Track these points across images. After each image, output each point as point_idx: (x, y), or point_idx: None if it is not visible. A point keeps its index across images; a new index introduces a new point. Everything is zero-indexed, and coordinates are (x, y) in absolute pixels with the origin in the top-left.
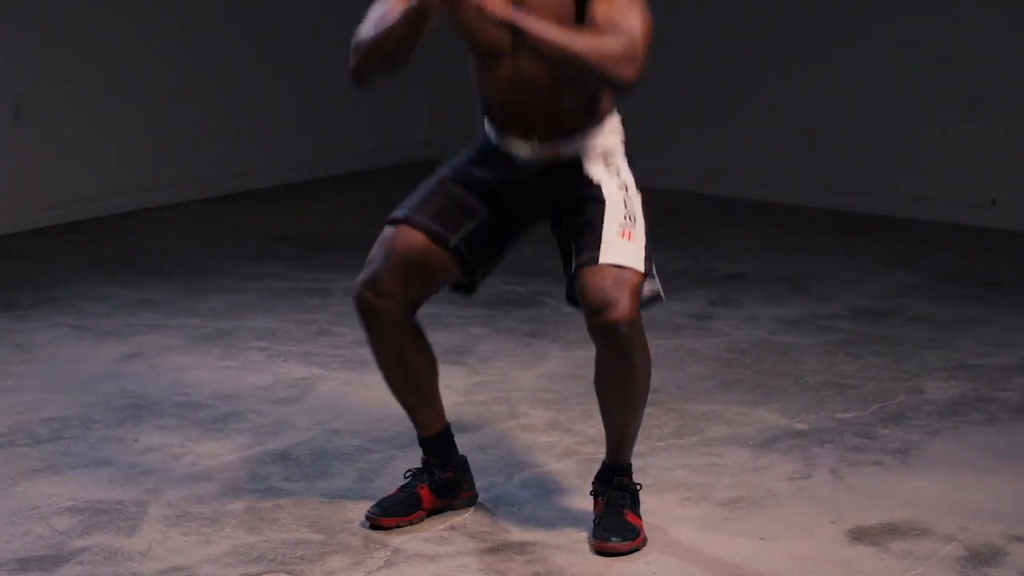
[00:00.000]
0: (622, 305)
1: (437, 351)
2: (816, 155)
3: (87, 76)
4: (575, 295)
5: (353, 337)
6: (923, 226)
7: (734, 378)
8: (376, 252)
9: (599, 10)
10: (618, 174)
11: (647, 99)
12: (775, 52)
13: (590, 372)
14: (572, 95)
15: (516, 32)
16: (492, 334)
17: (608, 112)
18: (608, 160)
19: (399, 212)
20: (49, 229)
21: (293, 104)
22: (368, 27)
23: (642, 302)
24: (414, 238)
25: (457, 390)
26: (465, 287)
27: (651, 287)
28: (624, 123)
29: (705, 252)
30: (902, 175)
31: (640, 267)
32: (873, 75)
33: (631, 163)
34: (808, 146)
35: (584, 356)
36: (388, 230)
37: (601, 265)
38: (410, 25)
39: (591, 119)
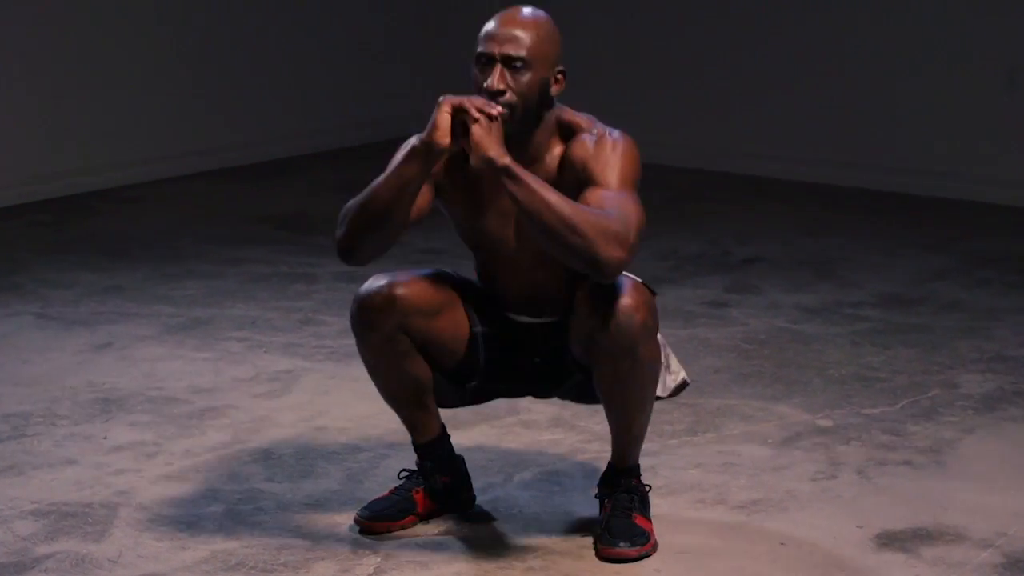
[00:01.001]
0: (628, 295)
1: None
2: (842, 130)
3: (52, 43)
4: (583, 338)
5: (340, 326)
6: (957, 206)
7: (752, 371)
8: (396, 271)
9: (593, 196)
10: None
11: (660, 70)
12: (798, 20)
13: None
14: (551, 279)
15: (508, 178)
16: None
17: None
18: None
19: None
20: (11, 209)
21: (275, 75)
22: (357, 198)
23: (670, 394)
24: (448, 286)
25: None
26: (448, 394)
27: (679, 377)
28: None
29: (721, 234)
30: (934, 151)
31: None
32: (904, 45)
33: None
34: (833, 120)
35: None
36: (423, 267)
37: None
38: (413, 169)
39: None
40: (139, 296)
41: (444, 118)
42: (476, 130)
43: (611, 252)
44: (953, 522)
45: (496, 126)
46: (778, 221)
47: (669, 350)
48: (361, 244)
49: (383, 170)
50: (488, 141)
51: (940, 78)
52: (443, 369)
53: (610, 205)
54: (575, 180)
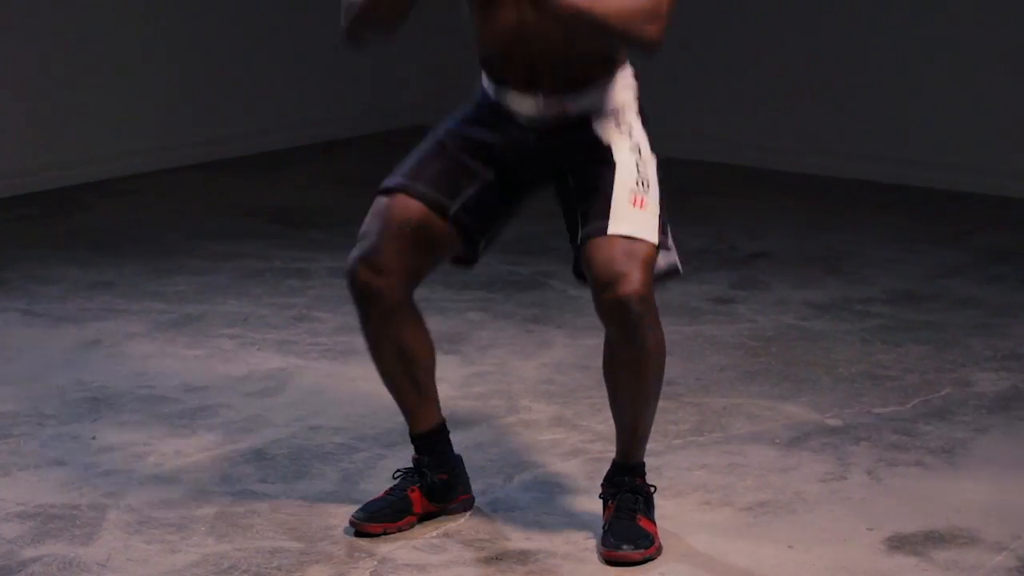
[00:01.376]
0: (633, 279)
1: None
2: (852, 121)
3: (39, 31)
4: (581, 269)
5: (335, 323)
6: (971, 199)
7: (759, 369)
8: (369, 225)
9: None
10: (630, 134)
11: (661, 58)
12: (808, 8)
13: (599, 362)
14: (582, 43)
15: None
16: (491, 320)
17: (621, 64)
18: (619, 119)
19: (392, 180)
20: None
21: (269, 64)
22: None
23: (656, 276)
24: (411, 207)
25: (452, 382)
26: (466, 259)
27: (666, 259)
28: (638, 77)
29: (727, 229)
30: (948, 143)
31: (653, 238)
32: (914, 34)
33: (645, 122)
34: (843, 111)
35: (592, 344)
36: (381, 200)
37: (610, 236)
38: None
39: (602, 71)
40: (129, 292)
41: None
42: None
43: (646, 31)
44: (966, 524)
45: None
46: (786, 215)
47: (671, 238)
48: (364, 34)
49: (380, 163)
50: None
51: (954, 67)
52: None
53: None
54: None
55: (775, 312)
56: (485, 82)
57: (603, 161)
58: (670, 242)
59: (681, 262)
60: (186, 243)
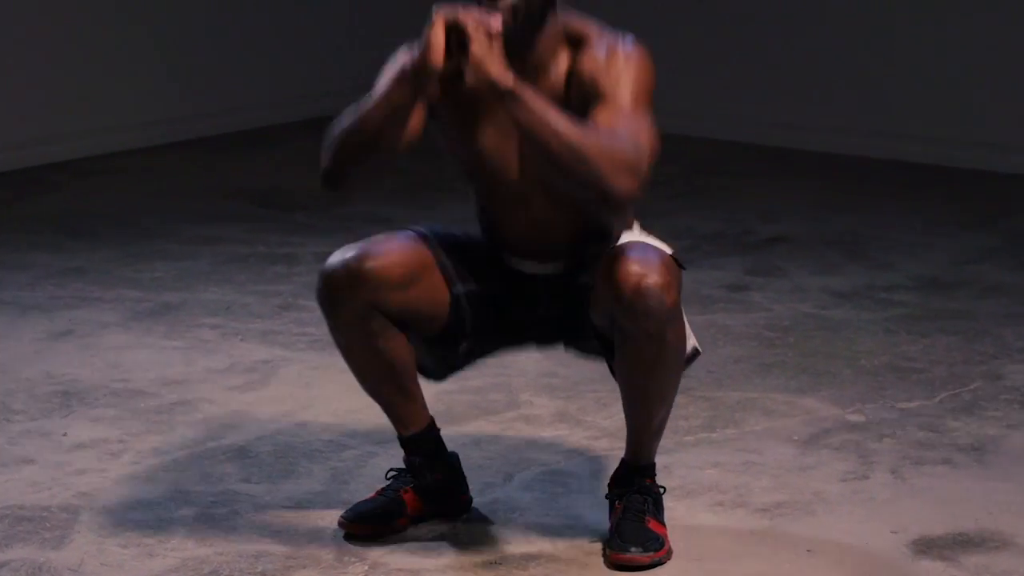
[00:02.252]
0: (656, 271)
1: None
2: (875, 96)
3: (4, 1)
4: (604, 314)
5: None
6: (1001, 180)
7: (775, 361)
8: (364, 242)
9: (603, 115)
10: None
11: (673, 29)
12: None
13: None
14: (595, 220)
15: (512, 101)
16: None
17: (631, 225)
18: None
19: (413, 226)
20: None
21: (251, 36)
22: (344, 119)
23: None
24: (418, 252)
25: None
26: (438, 362)
27: (688, 343)
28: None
29: (742, 211)
30: (977, 120)
31: (668, 251)
32: (942, 4)
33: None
34: (866, 85)
35: None
36: (392, 232)
37: (624, 245)
38: (405, 92)
39: (615, 235)
40: (102, 279)
41: (438, 36)
42: (475, 48)
43: (622, 183)
44: (998, 527)
45: (497, 43)
46: (804, 196)
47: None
48: (348, 173)
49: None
50: (489, 60)
51: (984, 40)
52: (430, 338)
53: (622, 127)
54: (584, 95)
55: (792, 300)
56: (485, 236)
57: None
58: (688, 328)
59: (698, 342)
60: (163, 227)
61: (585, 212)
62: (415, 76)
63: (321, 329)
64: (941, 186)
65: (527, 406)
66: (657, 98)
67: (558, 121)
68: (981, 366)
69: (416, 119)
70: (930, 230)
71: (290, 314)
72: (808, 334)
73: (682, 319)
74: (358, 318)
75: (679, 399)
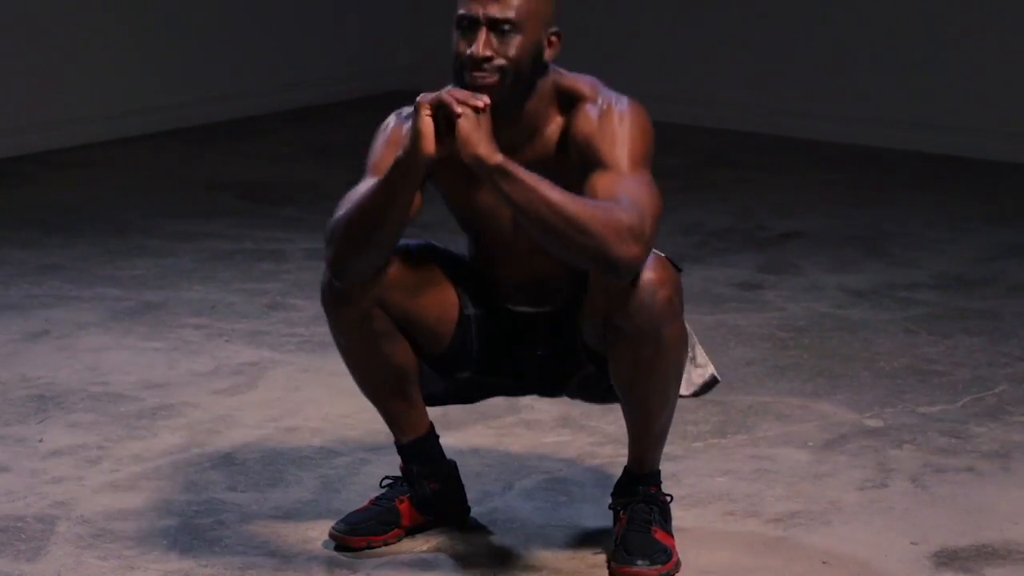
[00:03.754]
0: (650, 268)
1: None
2: (896, 84)
3: None
4: (598, 323)
5: (313, 312)
6: None
7: (790, 363)
8: None
9: (601, 182)
10: None
11: (682, 12)
12: None
13: None
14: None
15: (501, 177)
16: None
17: None
18: None
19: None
20: None
21: (236, 22)
22: (344, 206)
23: (693, 393)
24: (436, 260)
25: None
26: (437, 386)
27: (701, 375)
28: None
29: (755, 205)
30: (1002, 110)
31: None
32: None
33: None
34: (886, 73)
35: None
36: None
37: None
38: (401, 181)
39: None
40: (80, 277)
41: (426, 123)
42: (463, 125)
43: (625, 250)
44: (1023, 538)
45: (484, 118)
46: (821, 189)
47: (695, 339)
48: (354, 263)
49: (364, 131)
50: (476, 137)
51: (1013, 26)
52: (430, 356)
53: (621, 192)
54: (579, 159)
55: (808, 299)
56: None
57: None
58: (705, 357)
59: (714, 372)
60: (144, 221)
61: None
62: (408, 166)
63: (311, 330)
64: (965, 179)
65: (528, 411)
66: (665, 86)
67: (551, 194)
68: (1006, 368)
69: (415, 198)
70: (953, 225)
71: (278, 314)
72: (824, 335)
73: (682, 322)
74: (363, 317)
75: (688, 403)
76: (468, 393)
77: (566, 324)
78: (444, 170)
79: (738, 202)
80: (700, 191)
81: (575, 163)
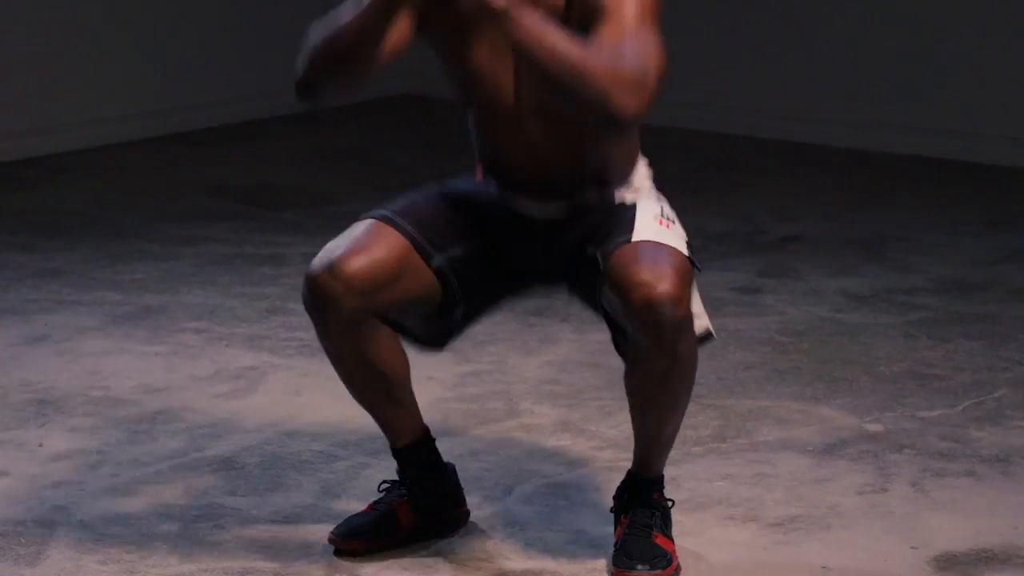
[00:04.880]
0: (667, 280)
1: None
2: (896, 88)
3: None
4: (614, 314)
5: None
6: None
7: (789, 367)
8: (338, 240)
9: (606, 31)
10: (650, 199)
11: (680, 15)
12: None
13: (608, 359)
14: (598, 149)
15: (506, 20)
16: None
17: (637, 160)
18: (638, 195)
19: (375, 211)
20: None
21: (239, 24)
22: (321, 27)
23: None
24: (392, 237)
25: (444, 382)
26: (434, 336)
27: (699, 325)
28: (651, 165)
29: (754, 209)
30: (1003, 113)
31: (683, 249)
32: None
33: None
34: (882, 76)
35: (602, 339)
36: (360, 224)
37: (635, 242)
38: (379, 10)
39: (619, 172)
40: (79, 281)
41: None
42: None
43: (627, 101)
44: (1023, 543)
45: None
46: (820, 194)
47: (695, 287)
48: (323, 84)
49: (364, 135)
50: None
51: (1012, 30)
52: (427, 314)
53: (626, 43)
54: (584, 11)
55: (807, 303)
56: (484, 176)
57: (621, 209)
58: (700, 307)
59: (713, 324)
60: (144, 226)
61: (585, 138)
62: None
63: (310, 334)
64: (965, 183)
65: (527, 415)
66: (664, 90)
67: (557, 39)
68: (1006, 373)
69: (400, 33)
70: (953, 229)
71: (278, 318)
72: (824, 339)
73: (693, 329)
74: (348, 323)
75: (689, 408)
76: (470, 322)
77: (574, 252)
78: (440, 23)
79: (738, 206)
80: (700, 195)
81: (580, 16)
